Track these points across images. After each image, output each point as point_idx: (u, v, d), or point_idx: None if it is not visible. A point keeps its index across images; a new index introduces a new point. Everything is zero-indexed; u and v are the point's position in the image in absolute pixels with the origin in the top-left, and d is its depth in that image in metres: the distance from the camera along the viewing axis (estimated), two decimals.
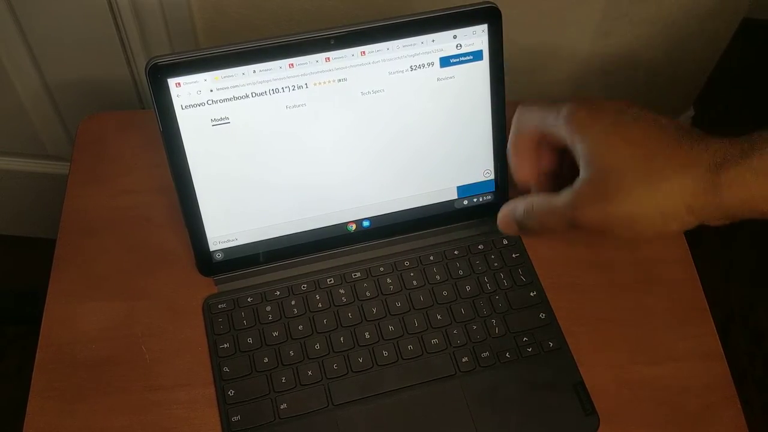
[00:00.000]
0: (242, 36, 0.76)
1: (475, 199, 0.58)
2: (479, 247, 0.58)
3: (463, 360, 0.53)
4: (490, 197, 0.58)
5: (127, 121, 0.64)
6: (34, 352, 0.52)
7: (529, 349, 0.53)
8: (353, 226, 0.56)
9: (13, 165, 0.98)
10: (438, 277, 0.57)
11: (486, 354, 0.53)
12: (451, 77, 0.53)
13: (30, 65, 0.81)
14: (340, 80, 0.51)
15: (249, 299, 0.55)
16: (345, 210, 0.56)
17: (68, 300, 0.54)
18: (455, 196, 0.58)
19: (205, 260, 0.54)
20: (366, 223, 0.57)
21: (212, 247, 0.54)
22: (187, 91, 0.48)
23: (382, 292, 0.56)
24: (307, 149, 0.53)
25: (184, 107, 0.48)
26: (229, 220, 0.53)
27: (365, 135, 0.53)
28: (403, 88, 0.52)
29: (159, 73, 0.47)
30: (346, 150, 0.54)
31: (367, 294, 0.56)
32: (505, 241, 0.59)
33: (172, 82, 0.47)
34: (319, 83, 0.50)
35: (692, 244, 0.59)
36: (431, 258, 0.58)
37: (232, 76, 0.48)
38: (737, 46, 1.08)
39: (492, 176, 0.58)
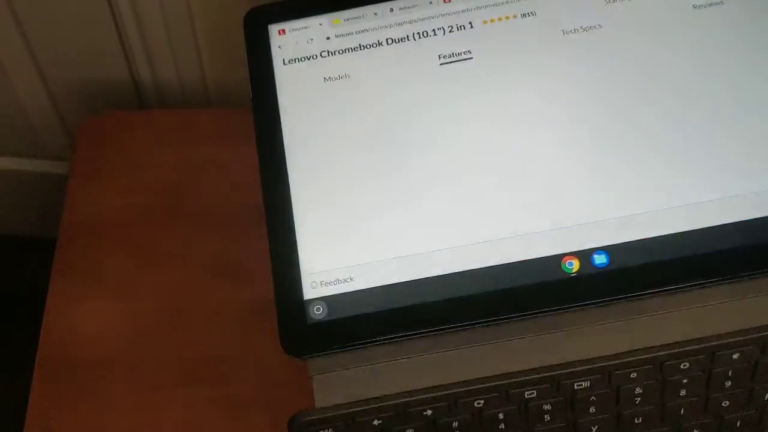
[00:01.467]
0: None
1: None
2: None
3: None
4: None
5: (127, 122, 0.64)
6: (34, 352, 0.52)
7: None
8: (575, 264, 0.31)
9: (13, 165, 0.98)
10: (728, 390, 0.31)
11: None
12: (718, 3, 0.34)
13: (30, 65, 0.81)
14: (524, 15, 0.34)
15: (375, 422, 0.31)
16: (554, 233, 0.32)
17: (68, 300, 0.54)
18: None
19: (292, 320, 0.32)
20: (600, 260, 0.31)
21: (307, 293, 0.32)
22: (293, 40, 0.36)
23: (620, 417, 0.31)
24: (474, 128, 0.34)
25: (286, 62, 0.36)
26: (342, 244, 0.33)
27: (577, 103, 0.34)
28: (633, 22, 0.34)
29: (256, 18, 0.36)
30: (546, 129, 0.33)
31: (603, 415, 0.31)
32: None
33: (273, 29, 0.36)
34: (492, 20, 0.34)
35: None
36: (734, 356, 0.31)
37: (360, 17, 0.35)
38: None
39: None
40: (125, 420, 0.49)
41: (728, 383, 0.32)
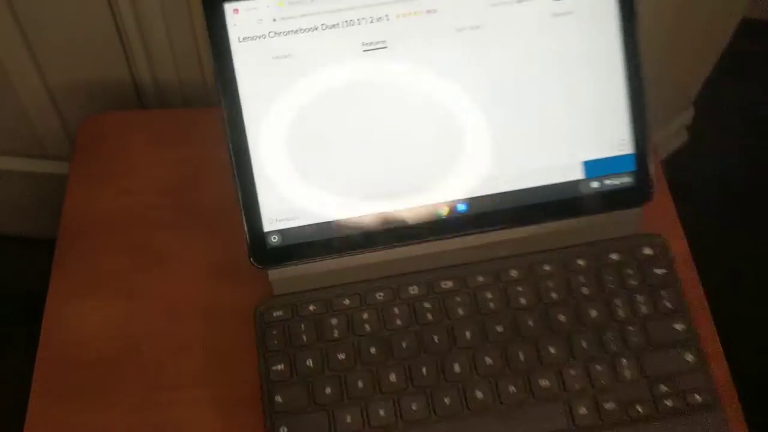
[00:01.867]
0: None
1: (607, 182, 0.45)
2: (611, 256, 0.46)
3: (581, 412, 0.42)
4: (628, 179, 0.46)
5: (127, 122, 0.64)
6: (34, 352, 0.52)
7: (669, 403, 0.42)
8: (445, 210, 0.46)
9: (13, 165, 0.98)
10: (554, 295, 0.45)
11: (611, 406, 0.42)
12: (569, 12, 0.43)
13: (30, 65, 0.81)
14: (428, 11, 0.42)
15: (311, 307, 0.45)
16: (435, 188, 0.45)
17: (68, 300, 0.54)
18: (581, 176, 0.46)
19: (258, 244, 0.45)
20: (462, 207, 0.45)
21: (267, 227, 0.45)
22: (245, 20, 0.41)
23: (479, 311, 0.45)
24: (387, 105, 0.44)
25: (241, 39, 0.42)
26: (290, 192, 0.45)
27: (461, 86, 0.44)
28: (508, 24, 0.43)
29: None
30: (437, 107, 0.44)
31: (460, 312, 0.45)
32: (647, 251, 0.46)
33: (229, 8, 0.41)
34: (403, 14, 0.42)
35: (692, 243, 0.59)
36: (546, 267, 0.46)
37: (300, 2, 0.41)
38: (737, 46, 1.08)
39: (629, 149, 0.45)
40: (125, 420, 0.49)
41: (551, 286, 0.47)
